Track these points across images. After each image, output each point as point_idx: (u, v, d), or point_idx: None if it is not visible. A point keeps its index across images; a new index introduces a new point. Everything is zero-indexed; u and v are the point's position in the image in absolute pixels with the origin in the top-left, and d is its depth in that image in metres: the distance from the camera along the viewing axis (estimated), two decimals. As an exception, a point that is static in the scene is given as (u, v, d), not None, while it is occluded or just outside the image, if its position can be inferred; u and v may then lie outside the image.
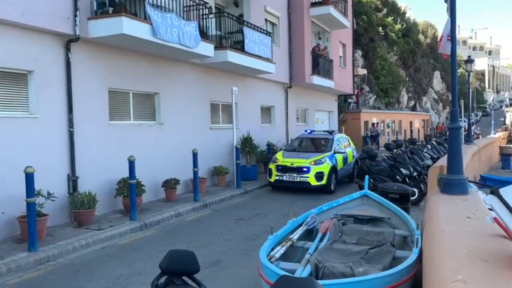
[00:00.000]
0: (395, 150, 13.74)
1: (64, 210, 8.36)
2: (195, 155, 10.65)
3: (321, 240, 5.29)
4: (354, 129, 30.09)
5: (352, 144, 15.50)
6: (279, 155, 13.06)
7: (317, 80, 19.21)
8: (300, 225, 5.77)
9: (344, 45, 24.61)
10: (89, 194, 8.27)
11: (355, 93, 30.07)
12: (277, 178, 12.45)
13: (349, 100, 32.01)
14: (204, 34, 11.18)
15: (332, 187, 12.51)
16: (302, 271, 4.25)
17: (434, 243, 3.73)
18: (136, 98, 10.63)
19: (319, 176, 12.07)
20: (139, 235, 8.12)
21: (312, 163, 12.25)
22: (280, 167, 12.50)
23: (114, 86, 9.81)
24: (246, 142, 14.44)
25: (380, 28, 38.80)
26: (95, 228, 7.94)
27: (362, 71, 32.90)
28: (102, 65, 9.42)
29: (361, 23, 34.14)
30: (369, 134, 29.51)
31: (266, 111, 17.53)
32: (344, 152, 13.85)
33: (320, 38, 21.89)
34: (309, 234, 5.67)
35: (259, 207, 10.53)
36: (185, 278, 3.02)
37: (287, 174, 12.32)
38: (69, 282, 5.72)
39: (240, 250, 7.09)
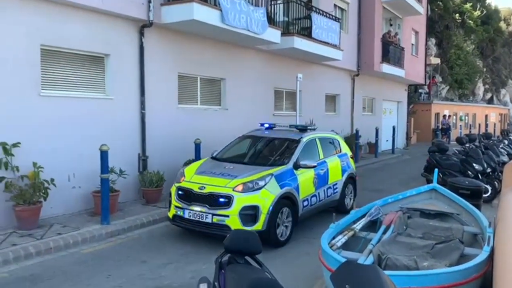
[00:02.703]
0: (467, 144, 13.03)
1: (134, 187, 8.83)
2: (258, 140, 10.72)
3: (384, 232, 5.17)
4: (424, 121, 28.88)
5: (344, 150, 9.02)
6: (190, 169, 7.10)
7: (387, 68, 18.54)
8: (363, 216, 5.67)
9: (416, 33, 23.50)
10: (158, 174, 8.65)
11: (427, 83, 28.70)
12: (177, 212, 6.59)
13: (420, 91, 30.65)
14: (271, 20, 11.17)
15: (281, 236, 6.43)
16: (364, 260, 4.19)
17: (509, 242, 3.51)
18: (203, 83, 10.89)
19: (248, 214, 6.15)
20: (202, 215, 8.37)
21: (239, 187, 6.29)
22: (181, 192, 6.64)
23: (183, 71, 10.11)
24: (310, 130, 14.25)
25: (457, 15, 36.50)
26: (162, 206, 8.30)
27: (435, 60, 31.26)
28: (173, 50, 9.73)
29: (436, 9, 32.36)
30: (440, 127, 28.13)
31: (331, 99, 17.25)
32: (319, 165, 7.66)
33: (391, 25, 21.06)
34: (372, 226, 5.56)
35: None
36: (247, 258, 3.10)
37: (191, 208, 6.38)
38: (137, 255, 6.05)
39: (301, 237, 7.10)
